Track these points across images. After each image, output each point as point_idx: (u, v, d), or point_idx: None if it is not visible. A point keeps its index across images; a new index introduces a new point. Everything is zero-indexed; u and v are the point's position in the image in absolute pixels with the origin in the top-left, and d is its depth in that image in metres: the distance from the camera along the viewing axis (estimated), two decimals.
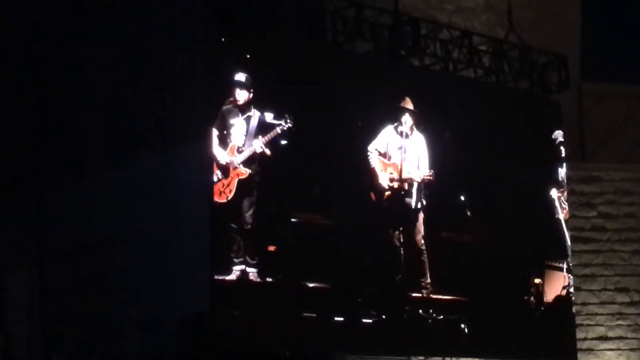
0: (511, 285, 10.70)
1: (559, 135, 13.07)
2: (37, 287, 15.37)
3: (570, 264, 12.62)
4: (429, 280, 9.76)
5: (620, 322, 16.07)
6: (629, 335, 16.04)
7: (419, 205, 10.18)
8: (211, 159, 9.40)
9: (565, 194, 13.11)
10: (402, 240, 10.03)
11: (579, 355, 15.06)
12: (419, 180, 10.37)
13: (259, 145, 8.88)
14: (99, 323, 14.46)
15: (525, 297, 10.51)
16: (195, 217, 12.35)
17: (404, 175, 10.28)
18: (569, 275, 11.89)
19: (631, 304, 16.15)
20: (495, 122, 13.83)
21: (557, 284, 11.11)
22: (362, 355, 13.69)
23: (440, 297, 10.00)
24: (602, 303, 16.08)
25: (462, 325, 10.33)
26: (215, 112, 9.59)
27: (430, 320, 10.03)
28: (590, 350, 15.86)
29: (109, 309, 14.39)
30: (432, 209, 10.23)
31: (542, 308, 10.78)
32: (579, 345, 15.23)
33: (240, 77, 9.44)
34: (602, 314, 16.08)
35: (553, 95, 15.01)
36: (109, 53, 15.32)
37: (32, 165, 15.88)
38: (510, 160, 12.02)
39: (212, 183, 9.56)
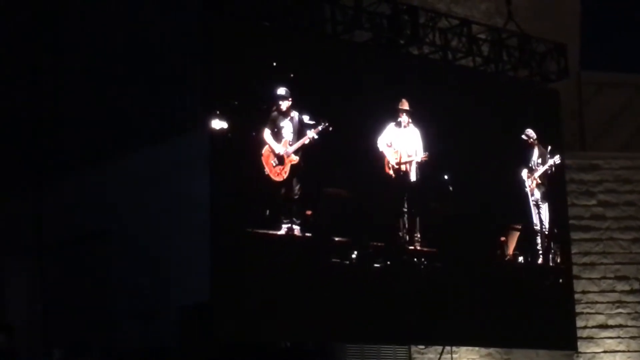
0: (483, 241, 13.51)
1: (530, 133, 14.36)
2: (37, 280, 15.38)
3: (536, 227, 14.17)
4: (419, 235, 12.71)
5: (620, 310, 16.07)
6: (629, 323, 16.04)
7: (416, 182, 12.87)
8: (216, 151, 11.46)
9: (534, 178, 14.31)
10: (405, 207, 12.73)
11: (579, 343, 15.06)
12: (419, 160, 12.87)
13: (312, 135, 11.79)
14: (99, 315, 14.48)
15: (494, 251, 13.61)
16: (195, 208, 12.39)
17: (405, 159, 12.82)
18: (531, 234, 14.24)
19: (631, 292, 16.14)
20: (492, 110, 14.08)
21: (514, 240, 13.83)
22: (361, 345, 13.75)
23: (428, 249, 12.82)
24: (602, 291, 16.08)
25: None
26: (213, 105, 11.56)
27: (422, 267, 12.75)
28: (590, 338, 15.86)
29: (109, 301, 14.41)
30: (425, 185, 12.91)
31: (506, 259, 13.73)
32: (579, 333, 15.20)
33: (282, 91, 11.78)
34: (602, 303, 16.07)
35: (552, 84, 14.98)
36: (108, 47, 15.32)
37: (31, 158, 15.89)
38: (497, 146, 13.93)
39: (211, 177, 11.46)
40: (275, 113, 11.77)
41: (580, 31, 16.92)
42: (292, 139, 11.80)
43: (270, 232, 11.50)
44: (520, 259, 13.83)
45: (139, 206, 14.27)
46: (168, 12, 14.58)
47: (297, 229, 11.68)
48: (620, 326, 16.00)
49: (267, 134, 11.71)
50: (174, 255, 13.49)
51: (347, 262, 12.03)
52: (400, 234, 12.60)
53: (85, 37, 15.74)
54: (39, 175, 15.70)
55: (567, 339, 14.55)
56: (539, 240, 14.06)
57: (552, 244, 14.20)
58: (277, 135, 11.75)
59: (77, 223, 15.17)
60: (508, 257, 13.72)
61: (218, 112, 11.35)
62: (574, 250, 15.38)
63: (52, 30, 16.22)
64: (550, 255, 14.15)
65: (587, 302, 15.95)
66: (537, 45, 14.62)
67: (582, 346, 15.46)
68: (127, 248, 14.39)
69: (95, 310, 14.57)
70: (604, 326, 16.00)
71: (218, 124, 11.33)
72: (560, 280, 14.26)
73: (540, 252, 14.11)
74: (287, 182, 11.71)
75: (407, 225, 12.65)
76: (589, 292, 16.01)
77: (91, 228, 14.93)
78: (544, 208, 14.19)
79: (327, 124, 11.82)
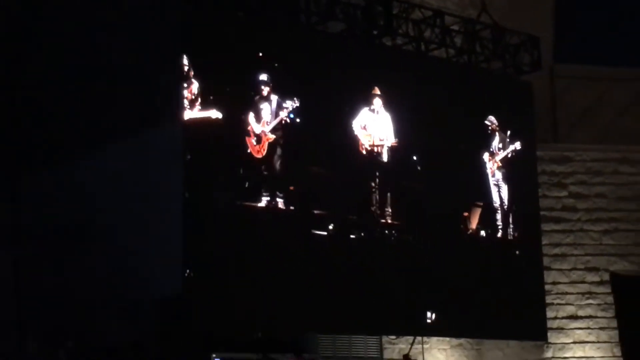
0: (448, 216, 14.30)
1: (492, 120, 14.84)
2: (11, 272, 15.32)
3: (496, 205, 14.83)
4: (390, 210, 13.64)
5: (590, 301, 16.21)
6: (599, 314, 16.17)
7: (388, 161, 13.69)
8: (184, 144, 12.13)
9: (495, 161, 14.82)
10: (376, 184, 13.63)
11: (549, 334, 15.17)
12: (389, 145, 13.70)
13: (284, 115, 12.61)
14: (74, 308, 14.44)
15: (458, 225, 14.44)
16: (169, 201, 12.39)
17: (377, 142, 13.61)
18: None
19: (601, 283, 16.29)
20: (463, 99, 14.31)
21: (476, 216, 14.60)
22: (334, 335, 13.82)
23: (397, 222, 13.70)
24: (572, 282, 16.22)
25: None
26: (181, 98, 12.31)
27: (392, 238, 13.61)
28: (560, 329, 15.99)
29: (85, 294, 14.38)
30: (395, 164, 13.72)
31: (469, 232, 14.51)
32: (549, 324, 15.33)
33: (264, 77, 12.63)
34: (572, 293, 16.21)
35: (525, 76, 15.05)
36: (83, 40, 15.25)
37: (8, 151, 15.82)
38: (465, 132, 14.59)
39: (186, 168, 12.09)
40: (257, 97, 12.59)
41: (554, 24, 16.99)
42: (270, 119, 12.65)
43: (252, 204, 12.30)
44: (482, 232, 14.63)
45: (115, 199, 14.23)
46: (144, 5, 14.55)
47: (280, 202, 12.50)
48: (590, 317, 16.14)
49: (250, 116, 12.58)
50: (150, 248, 13.48)
51: (325, 233, 12.86)
52: (373, 208, 13.52)
53: (60, 30, 15.67)
54: (16, 168, 15.63)
55: (537, 330, 14.68)
56: (498, 216, 14.78)
57: (510, 219, 14.75)
58: (258, 116, 12.60)
59: (53, 215, 15.10)
60: (471, 231, 14.49)
61: (196, 102, 11.71)
62: (544, 241, 15.50)
63: (27, 25, 16.14)
64: (509, 230, 14.85)
65: (557, 293, 16.08)
66: (510, 38, 14.68)
67: (552, 337, 15.58)
68: (104, 241, 14.35)
69: (71, 303, 14.53)
70: (574, 317, 16.13)
71: (191, 113, 11.71)
72: (517, 252, 14.68)
73: (500, 226, 14.73)
74: (267, 159, 12.58)
75: (379, 201, 13.50)
76: (559, 283, 16.14)
77: (68, 220, 14.88)
78: (504, 188, 14.82)
79: (296, 103, 12.58)
